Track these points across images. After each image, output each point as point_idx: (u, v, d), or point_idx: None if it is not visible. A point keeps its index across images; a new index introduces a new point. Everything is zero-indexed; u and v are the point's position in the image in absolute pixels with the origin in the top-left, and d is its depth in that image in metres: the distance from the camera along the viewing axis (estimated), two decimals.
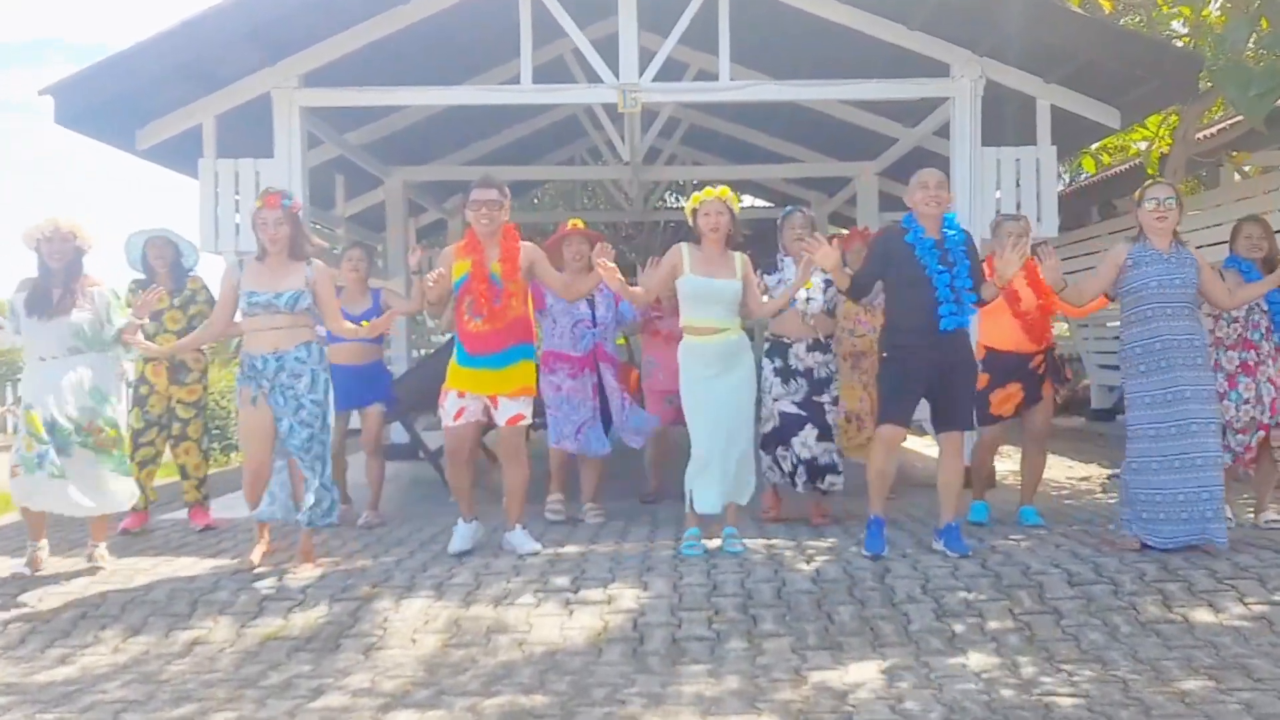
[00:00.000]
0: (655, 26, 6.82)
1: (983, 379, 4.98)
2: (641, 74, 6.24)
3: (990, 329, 5.05)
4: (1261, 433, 4.93)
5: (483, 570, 4.28)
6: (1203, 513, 4.21)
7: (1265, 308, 4.95)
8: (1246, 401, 4.92)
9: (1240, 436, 4.93)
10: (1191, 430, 4.24)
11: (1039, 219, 6.30)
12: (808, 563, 4.27)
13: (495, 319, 4.47)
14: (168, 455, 5.51)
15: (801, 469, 5.02)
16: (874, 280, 4.58)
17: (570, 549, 4.64)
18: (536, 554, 4.52)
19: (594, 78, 6.48)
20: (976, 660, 3.37)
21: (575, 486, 5.52)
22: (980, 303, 4.57)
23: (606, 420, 5.38)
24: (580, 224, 5.47)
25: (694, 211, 4.68)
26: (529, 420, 4.68)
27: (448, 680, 3.31)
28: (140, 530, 5.31)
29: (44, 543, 4.53)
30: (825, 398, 5.08)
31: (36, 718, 3.05)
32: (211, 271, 41.16)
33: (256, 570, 4.32)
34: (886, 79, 6.38)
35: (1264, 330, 4.96)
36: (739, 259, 4.63)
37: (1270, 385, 4.93)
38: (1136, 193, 4.54)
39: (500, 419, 4.60)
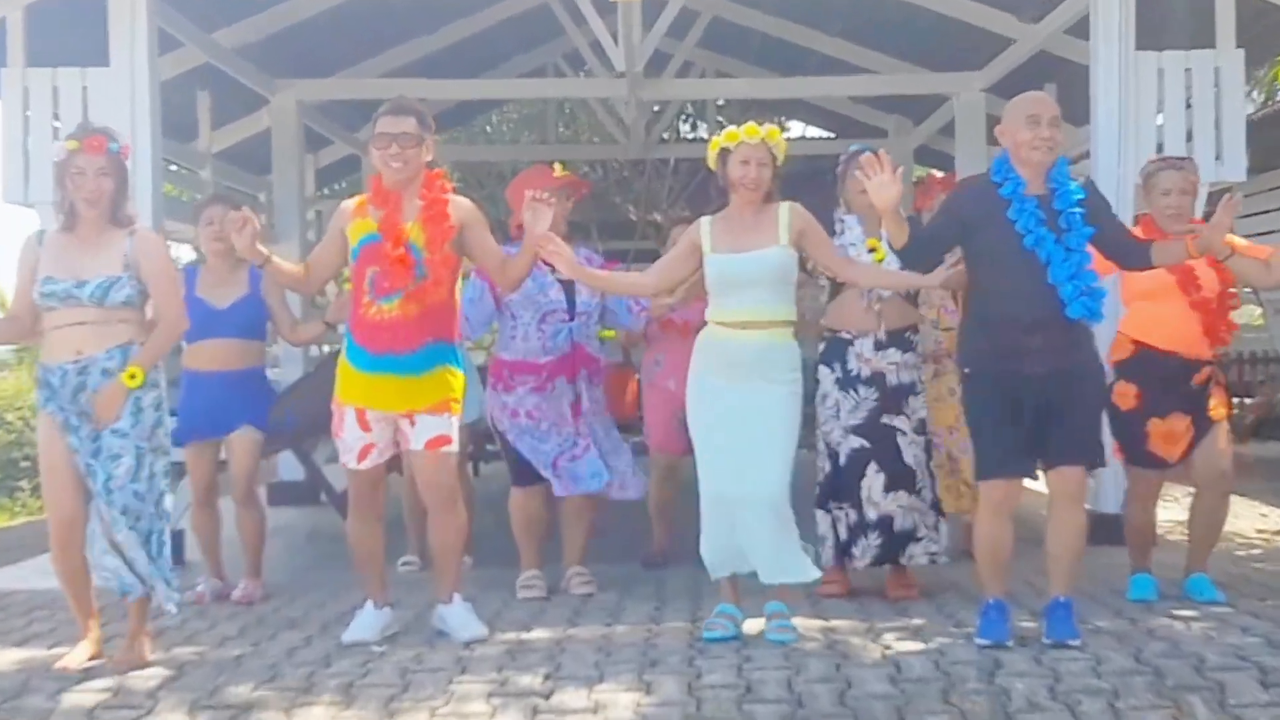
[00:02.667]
0: None
1: (1130, 392, 4.98)
2: None
3: (1148, 320, 5.00)
4: None
5: (412, 665, 4.27)
6: None
7: None
8: None
9: None
10: None
11: (1218, 156, 6.32)
12: (884, 654, 4.27)
13: (414, 300, 4.47)
14: None
15: (870, 535, 5.05)
16: (942, 246, 4.57)
17: (540, 633, 4.64)
18: (482, 640, 4.53)
19: None
20: None
21: (552, 549, 5.54)
22: (1140, 268, 4.57)
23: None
24: (561, 168, 5.44)
25: (723, 152, 4.61)
26: (455, 447, 4.67)
27: None
28: None
29: None
30: (902, 419, 5.08)
31: None
32: (16, 233, 41.12)
33: (82, 668, 4.31)
34: None
35: None
36: (784, 212, 4.56)
37: None
38: None
39: (417, 441, 4.58)
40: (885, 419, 5.08)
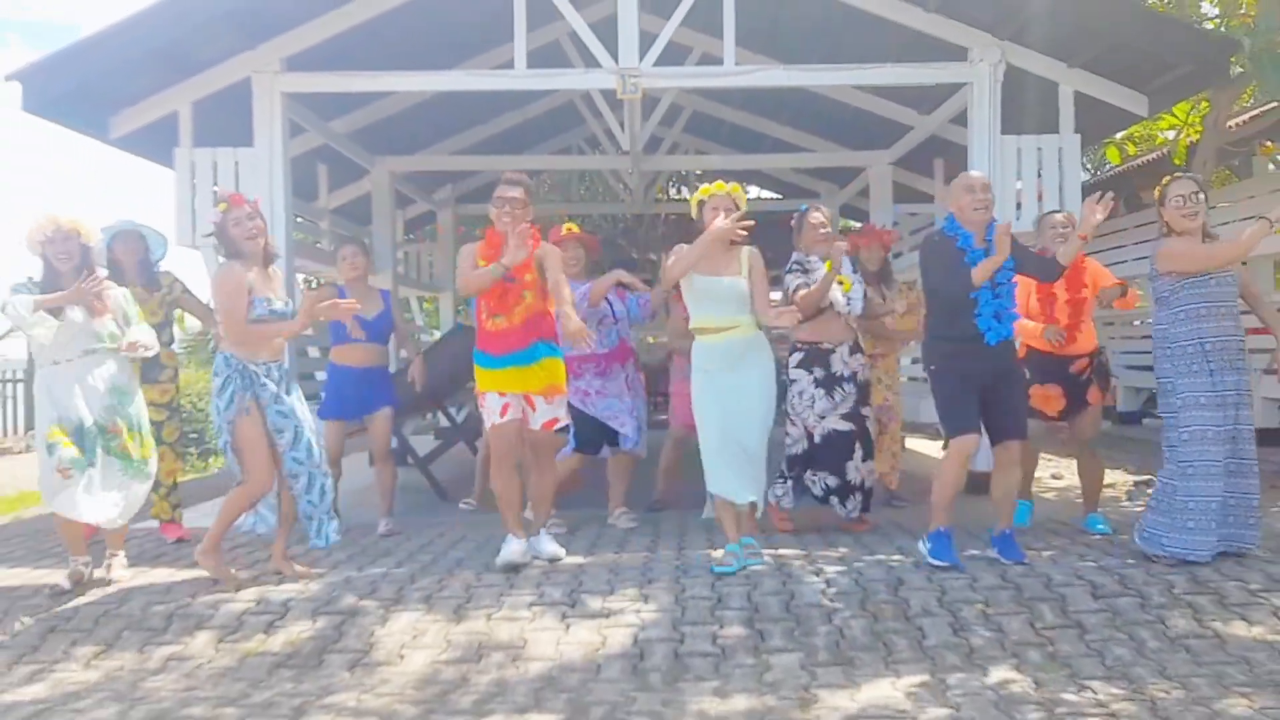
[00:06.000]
0: (656, 8, 6.82)
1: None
2: (642, 58, 6.23)
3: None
4: None
5: (474, 582, 4.28)
6: (1244, 519, 4.31)
7: None
8: None
9: None
10: (1241, 435, 4.29)
11: (1061, 211, 6.30)
12: (817, 574, 4.27)
13: (509, 314, 4.50)
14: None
15: (856, 495, 5.08)
16: None
17: (567, 560, 4.65)
18: (559, 559, 4.57)
19: (592, 62, 6.48)
20: (996, 676, 3.37)
21: (580, 498, 5.52)
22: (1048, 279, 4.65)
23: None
24: (575, 228, 5.50)
25: (700, 204, 4.66)
26: (565, 424, 4.71)
27: (437, 699, 3.31)
28: (180, 541, 5.28)
29: (87, 557, 4.48)
30: (868, 408, 5.17)
31: None
32: (179, 265, 40.99)
33: (238, 579, 4.35)
34: (901, 63, 6.38)
35: None
36: (745, 254, 4.59)
37: None
38: (1156, 191, 4.54)
39: (536, 423, 4.59)
40: (861, 408, 5.11)
